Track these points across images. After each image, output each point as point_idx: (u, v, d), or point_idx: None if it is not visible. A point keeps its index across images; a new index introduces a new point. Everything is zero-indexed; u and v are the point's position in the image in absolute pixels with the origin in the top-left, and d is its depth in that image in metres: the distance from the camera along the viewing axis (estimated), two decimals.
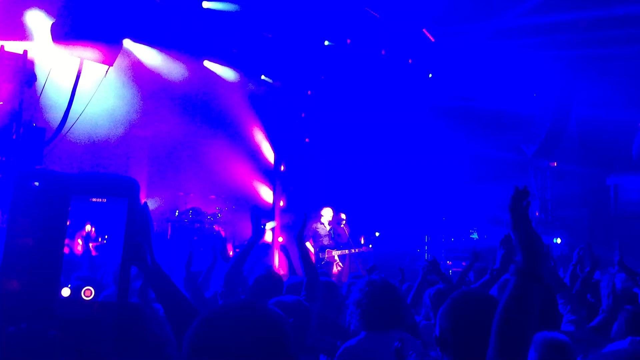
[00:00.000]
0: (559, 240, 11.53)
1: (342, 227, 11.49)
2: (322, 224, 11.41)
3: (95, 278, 1.49)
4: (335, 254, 11.16)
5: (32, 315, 1.44)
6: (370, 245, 11.62)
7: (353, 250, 11.21)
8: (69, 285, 1.50)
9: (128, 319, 1.54)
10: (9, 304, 1.45)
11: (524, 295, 1.57)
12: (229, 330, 1.39)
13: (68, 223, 1.50)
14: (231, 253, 8.57)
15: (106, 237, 1.52)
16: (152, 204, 10.42)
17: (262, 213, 4.14)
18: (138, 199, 1.53)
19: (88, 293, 1.46)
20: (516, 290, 1.58)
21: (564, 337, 2.65)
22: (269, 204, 13.25)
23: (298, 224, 4.17)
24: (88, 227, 1.53)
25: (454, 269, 11.91)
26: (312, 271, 4.04)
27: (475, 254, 5.63)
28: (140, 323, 1.66)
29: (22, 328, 1.46)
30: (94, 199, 1.51)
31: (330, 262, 11.14)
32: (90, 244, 1.53)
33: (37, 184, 1.46)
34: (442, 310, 2.18)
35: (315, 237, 11.30)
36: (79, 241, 1.54)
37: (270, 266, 6.70)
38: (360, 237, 11.80)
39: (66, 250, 1.49)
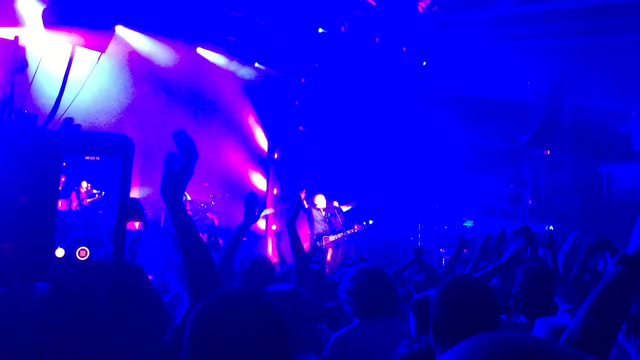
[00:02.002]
0: (551, 228, 11.57)
1: (336, 214, 11.52)
2: (318, 209, 11.43)
3: (92, 237, 1.47)
4: (331, 239, 11.19)
5: (24, 277, 1.43)
6: (371, 221, 11.61)
7: (348, 232, 11.23)
8: (64, 245, 1.48)
9: (124, 279, 1.53)
10: (1, 265, 1.44)
11: (630, 285, 1.60)
12: (231, 317, 1.38)
13: (62, 180, 1.49)
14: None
15: (102, 192, 1.51)
16: (144, 192, 10.40)
17: (256, 199, 4.07)
18: (132, 157, 1.53)
19: (83, 253, 1.44)
20: (623, 278, 1.60)
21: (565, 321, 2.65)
22: (262, 191, 13.24)
23: (291, 210, 4.14)
24: (84, 184, 1.52)
25: (447, 257, 11.95)
26: (302, 257, 4.04)
27: (462, 241, 5.60)
28: (136, 283, 1.65)
29: (14, 289, 1.45)
30: (87, 157, 1.49)
31: (327, 249, 11.19)
32: (87, 200, 1.52)
33: (27, 142, 1.45)
34: (435, 298, 2.14)
35: (312, 224, 11.32)
36: (75, 196, 1.53)
37: (262, 254, 6.70)
38: (353, 225, 11.82)
39: (60, 208, 1.47)
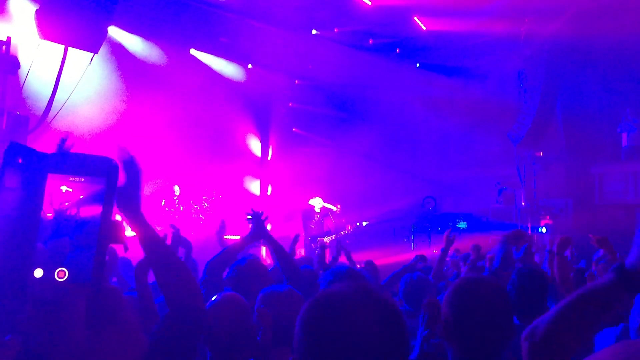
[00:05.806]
0: (544, 230, 11.60)
1: (330, 217, 11.54)
2: (313, 212, 11.46)
3: (65, 242, 1.48)
4: (327, 240, 11.20)
5: (3, 296, 1.43)
6: (365, 223, 11.67)
7: (342, 233, 11.24)
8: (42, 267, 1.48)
9: (102, 302, 1.53)
10: None
11: (615, 298, 1.48)
12: (355, 317, 1.30)
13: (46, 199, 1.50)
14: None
15: (81, 196, 1.52)
16: None
17: (262, 220, 4.13)
18: (116, 180, 1.54)
19: (61, 274, 1.45)
20: (612, 289, 1.48)
21: None
22: (255, 194, 13.24)
23: (252, 228, 4.15)
24: (63, 188, 1.53)
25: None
26: (289, 264, 4.04)
27: (448, 239, 5.57)
28: (114, 306, 1.65)
29: None
30: (71, 179, 1.50)
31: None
32: (65, 205, 1.53)
33: (20, 160, 1.46)
34: (446, 299, 2.13)
35: (306, 226, 11.34)
36: (53, 201, 1.53)
37: (255, 255, 6.66)
38: (346, 226, 11.84)
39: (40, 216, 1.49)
